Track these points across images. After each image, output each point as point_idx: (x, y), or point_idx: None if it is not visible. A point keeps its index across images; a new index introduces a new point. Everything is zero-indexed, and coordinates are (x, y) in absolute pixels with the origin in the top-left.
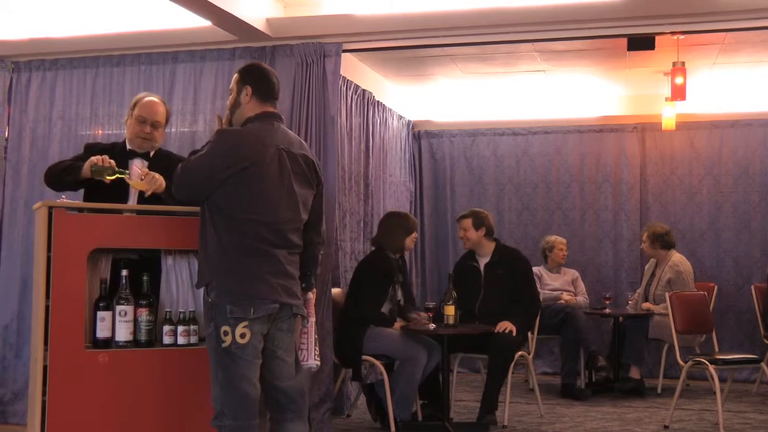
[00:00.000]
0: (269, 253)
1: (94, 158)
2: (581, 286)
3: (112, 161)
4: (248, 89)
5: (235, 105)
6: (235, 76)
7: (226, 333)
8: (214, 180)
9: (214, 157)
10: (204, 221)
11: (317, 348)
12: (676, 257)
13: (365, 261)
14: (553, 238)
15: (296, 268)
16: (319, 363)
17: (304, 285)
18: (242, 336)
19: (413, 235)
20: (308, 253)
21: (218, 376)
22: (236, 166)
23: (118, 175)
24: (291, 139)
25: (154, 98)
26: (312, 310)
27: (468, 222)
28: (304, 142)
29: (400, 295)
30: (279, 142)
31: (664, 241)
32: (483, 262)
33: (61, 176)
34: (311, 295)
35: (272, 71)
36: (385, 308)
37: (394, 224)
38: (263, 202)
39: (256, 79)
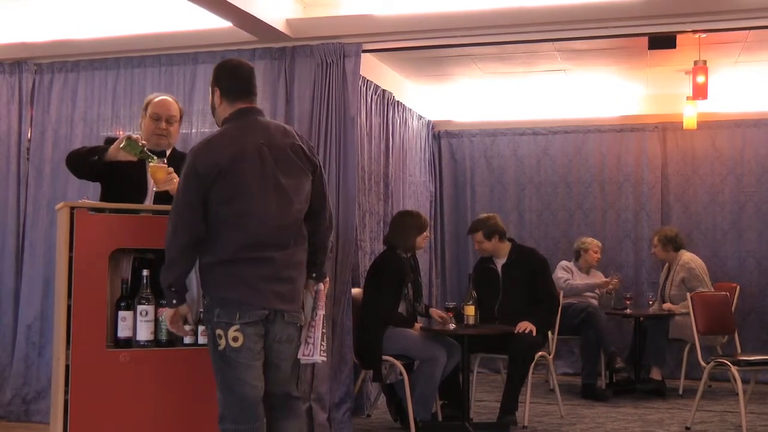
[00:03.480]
0: (261, 258)
1: (129, 133)
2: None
3: (144, 141)
4: (217, 91)
5: (213, 108)
6: (211, 78)
7: (219, 336)
8: (198, 201)
9: (185, 182)
10: None
11: (323, 343)
12: (686, 256)
13: (377, 261)
14: (589, 240)
15: (298, 269)
16: (324, 358)
17: (314, 275)
18: (235, 339)
19: (425, 234)
20: (315, 240)
21: (218, 380)
22: (208, 177)
23: (146, 158)
24: (272, 131)
25: (166, 96)
26: (322, 303)
27: (479, 235)
28: (289, 128)
29: (411, 294)
30: (258, 138)
31: (675, 243)
32: (500, 263)
33: (85, 157)
34: (322, 286)
35: (243, 65)
36: (401, 308)
37: (406, 223)
38: (249, 203)
39: (224, 79)
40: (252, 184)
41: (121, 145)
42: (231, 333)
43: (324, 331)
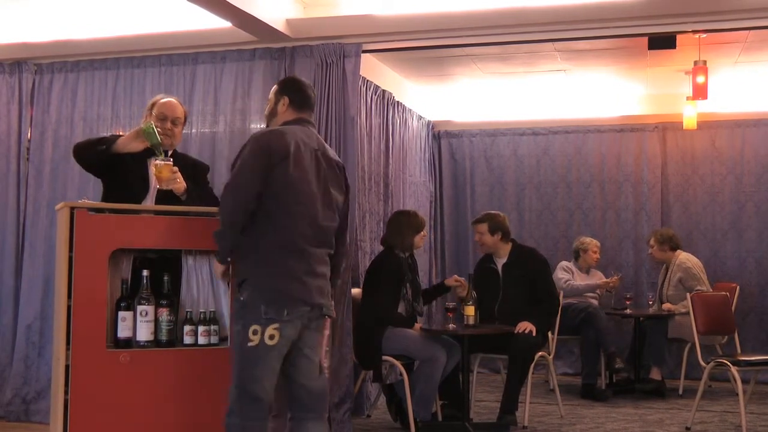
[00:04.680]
0: (307, 252)
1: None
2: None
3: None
4: (285, 99)
5: (272, 114)
6: (274, 87)
7: (255, 332)
8: (261, 177)
9: (250, 159)
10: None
11: (326, 359)
12: (682, 256)
13: (376, 261)
14: (588, 240)
15: (327, 267)
16: (326, 375)
17: None
18: (271, 338)
19: (422, 233)
20: (333, 261)
21: (235, 374)
22: (277, 155)
23: (158, 151)
24: (324, 145)
25: (171, 98)
26: (327, 323)
27: (484, 227)
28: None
29: (410, 294)
30: (315, 145)
31: (672, 242)
32: (500, 263)
33: (94, 145)
34: None
35: (310, 85)
36: (400, 308)
37: (403, 223)
38: (304, 196)
39: (294, 91)
40: (308, 180)
41: (144, 125)
42: (269, 331)
43: (327, 348)
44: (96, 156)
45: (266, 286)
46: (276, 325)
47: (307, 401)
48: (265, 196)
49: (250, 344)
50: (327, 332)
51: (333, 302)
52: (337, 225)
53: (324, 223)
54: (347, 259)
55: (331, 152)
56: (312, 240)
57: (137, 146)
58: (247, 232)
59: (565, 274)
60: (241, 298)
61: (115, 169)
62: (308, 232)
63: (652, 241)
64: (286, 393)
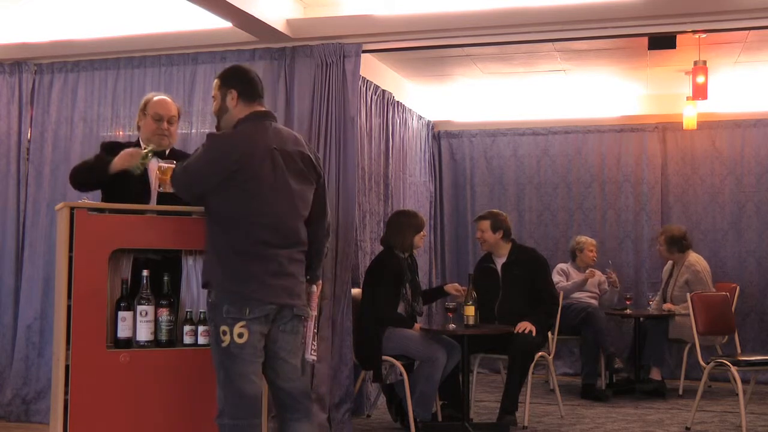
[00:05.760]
0: (269, 254)
1: (146, 150)
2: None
3: (140, 150)
4: (233, 92)
5: (222, 110)
6: (216, 81)
7: (224, 333)
8: (209, 183)
9: (207, 163)
10: (207, 224)
11: (315, 342)
12: (693, 257)
13: (376, 261)
14: (583, 239)
15: (300, 267)
16: (315, 358)
17: (308, 277)
18: (240, 336)
19: (422, 233)
20: (312, 248)
21: (219, 376)
22: (229, 169)
23: (150, 154)
24: (284, 137)
25: (164, 96)
26: (314, 304)
27: (486, 224)
28: (299, 136)
29: (410, 294)
30: (271, 142)
31: (680, 245)
32: (500, 262)
33: (87, 176)
34: (315, 288)
35: (253, 70)
36: (400, 308)
37: (403, 223)
38: (259, 203)
39: (240, 82)
40: (264, 185)
41: (132, 167)
42: (237, 329)
43: (315, 330)
44: (94, 183)
45: (228, 288)
46: (242, 323)
47: (290, 403)
48: (223, 204)
49: (222, 344)
50: (314, 313)
51: (310, 294)
52: (305, 217)
53: (289, 225)
54: (328, 243)
55: (292, 143)
56: (277, 243)
57: (133, 163)
58: (209, 237)
59: (557, 277)
60: (209, 300)
61: (116, 176)
62: (269, 236)
63: (661, 240)
64: (270, 393)
